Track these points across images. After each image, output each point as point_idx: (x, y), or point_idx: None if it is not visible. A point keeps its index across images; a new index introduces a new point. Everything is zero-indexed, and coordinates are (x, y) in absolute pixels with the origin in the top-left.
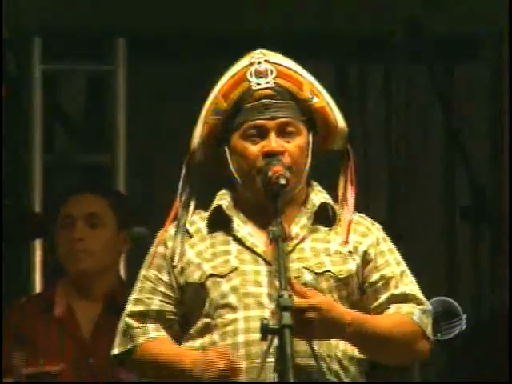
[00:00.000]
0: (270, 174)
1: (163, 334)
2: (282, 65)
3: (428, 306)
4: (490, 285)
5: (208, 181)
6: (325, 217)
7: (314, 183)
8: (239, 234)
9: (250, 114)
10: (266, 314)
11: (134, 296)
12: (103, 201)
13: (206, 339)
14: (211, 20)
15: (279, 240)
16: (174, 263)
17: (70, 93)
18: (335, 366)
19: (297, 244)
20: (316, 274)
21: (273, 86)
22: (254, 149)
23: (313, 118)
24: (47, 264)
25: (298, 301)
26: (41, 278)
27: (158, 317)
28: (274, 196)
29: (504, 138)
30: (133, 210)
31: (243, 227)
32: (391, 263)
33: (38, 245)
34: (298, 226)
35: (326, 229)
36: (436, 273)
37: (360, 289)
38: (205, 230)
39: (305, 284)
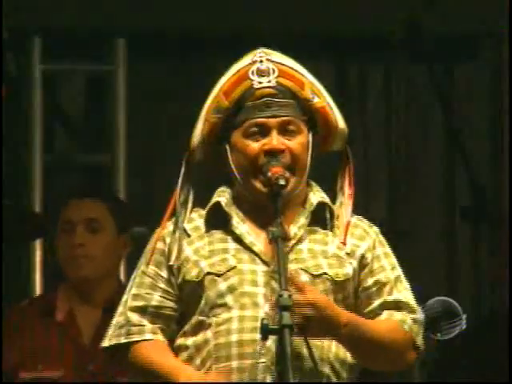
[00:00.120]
0: (269, 174)
1: (159, 337)
2: (283, 64)
3: (420, 315)
4: (489, 285)
5: (207, 179)
6: (323, 218)
7: (313, 183)
8: (238, 231)
9: (252, 112)
10: (261, 314)
11: (133, 291)
12: (103, 206)
13: (199, 337)
14: (211, 20)
15: (279, 240)
16: (170, 263)
17: (70, 93)
18: (327, 370)
19: (294, 245)
20: (313, 275)
21: (274, 84)
22: (255, 146)
23: (313, 118)
24: (47, 264)
25: (296, 296)
26: (41, 279)
27: (157, 313)
28: (274, 196)
29: (504, 138)
30: (132, 212)
31: (242, 225)
32: (386, 268)
33: (38, 245)
34: (297, 226)
35: (324, 230)
36: (436, 273)
37: (355, 293)
38: (203, 228)
39: None
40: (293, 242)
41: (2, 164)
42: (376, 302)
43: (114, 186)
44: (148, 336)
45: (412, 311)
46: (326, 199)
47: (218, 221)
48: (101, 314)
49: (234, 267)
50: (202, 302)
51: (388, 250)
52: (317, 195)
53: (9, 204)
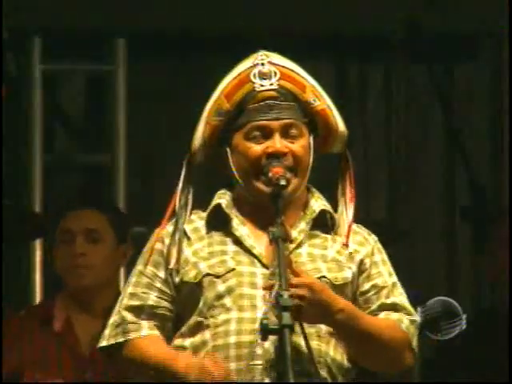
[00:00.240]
0: (270, 174)
1: (156, 332)
2: (285, 66)
3: (416, 317)
4: (489, 285)
5: (207, 181)
6: (323, 223)
7: (314, 189)
8: (238, 233)
9: (254, 115)
10: (259, 315)
11: (129, 290)
12: (102, 216)
13: (197, 338)
14: (211, 20)
15: (279, 241)
16: (170, 266)
17: (70, 93)
18: (324, 373)
19: (294, 248)
20: None
21: (276, 87)
22: (257, 149)
23: (314, 121)
24: (47, 264)
25: (292, 279)
26: (41, 279)
27: (153, 312)
28: (275, 197)
29: (504, 138)
30: (131, 222)
31: (241, 227)
32: (383, 274)
33: (38, 245)
34: (297, 230)
35: (324, 235)
36: (436, 273)
37: (353, 297)
38: (203, 229)
39: None
40: (292, 246)
41: (2, 164)
42: (374, 305)
43: (113, 186)
44: (145, 332)
45: (409, 313)
46: (328, 207)
47: (218, 223)
48: (99, 323)
49: (233, 269)
50: (201, 303)
51: (385, 257)
52: (319, 202)
53: (9, 204)
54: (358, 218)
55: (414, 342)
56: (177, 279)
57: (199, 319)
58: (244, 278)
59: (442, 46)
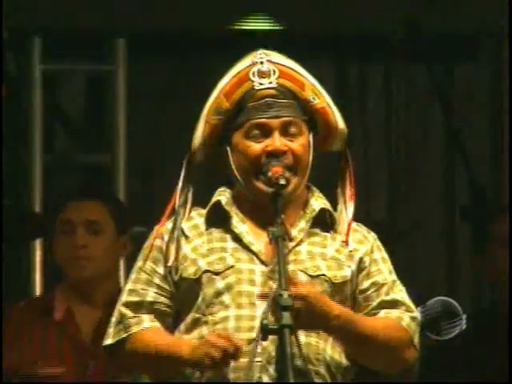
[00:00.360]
0: (269, 174)
1: (157, 324)
2: (284, 65)
3: (417, 313)
4: (489, 285)
5: (207, 179)
6: (323, 222)
7: (314, 188)
8: (237, 230)
9: (253, 113)
10: (258, 313)
11: (128, 286)
12: (102, 207)
13: (195, 335)
14: (211, 20)
15: (279, 240)
16: (169, 264)
17: (70, 93)
18: (322, 371)
19: (294, 246)
20: (311, 276)
21: (275, 85)
22: (256, 147)
23: (313, 119)
24: (47, 264)
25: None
26: (41, 279)
27: (152, 308)
28: (275, 196)
29: (504, 138)
30: (131, 214)
31: (241, 225)
32: (383, 271)
33: (38, 245)
34: (297, 229)
35: (324, 234)
36: (436, 273)
37: (353, 295)
38: (202, 226)
39: None
40: (292, 244)
41: (2, 164)
42: (374, 303)
43: (114, 186)
44: (146, 324)
45: (409, 310)
46: (328, 205)
47: (217, 220)
48: (100, 314)
49: (232, 266)
50: (199, 299)
51: (385, 255)
52: (319, 201)
53: (9, 204)
54: (358, 219)
55: (416, 339)
56: (176, 276)
57: (197, 316)
58: (243, 275)
59: (441, 46)
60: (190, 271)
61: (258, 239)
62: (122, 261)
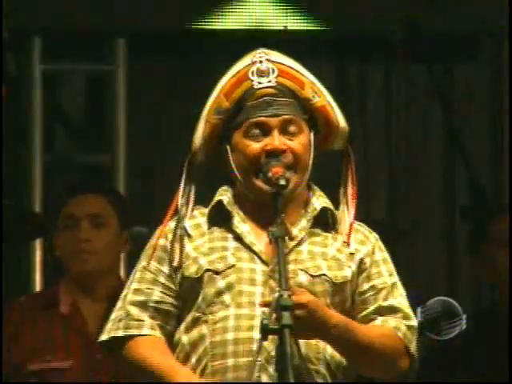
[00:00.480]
0: (269, 174)
1: (157, 333)
2: (283, 64)
3: (414, 321)
4: (489, 285)
5: (208, 179)
6: (324, 222)
7: (315, 187)
8: (238, 230)
9: (252, 112)
10: (257, 313)
11: (134, 286)
12: (105, 201)
13: (195, 334)
14: (211, 20)
15: (279, 240)
16: (174, 264)
17: (70, 93)
18: (323, 370)
19: (294, 246)
20: (312, 276)
21: (274, 84)
22: (256, 146)
23: (314, 117)
24: (47, 264)
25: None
26: (41, 278)
27: (158, 308)
28: (275, 196)
29: (504, 138)
30: (133, 209)
31: (242, 224)
32: (383, 274)
33: (38, 245)
34: (297, 228)
35: (325, 233)
36: (436, 273)
37: (352, 296)
38: (204, 225)
39: (300, 285)
40: (293, 243)
41: (2, 164)
42: (371, 307)
43: (114, 186)
44: (146, 331)
45: (406, 317)
46: (329, 205)
47: (219, 219)
48: (104, 307)
49: (233, 265)
50: (200, 298)
51: (387, 256)
52: (320, 200)
53: (9, 204)
54: (358, 218)
55: (413, 348)
56: (179, 275)
57: (197, 314)
58: (244, 275)
59: (441, 46)
60: (191, 270)
61: (259, 239)
62: (122, 256)
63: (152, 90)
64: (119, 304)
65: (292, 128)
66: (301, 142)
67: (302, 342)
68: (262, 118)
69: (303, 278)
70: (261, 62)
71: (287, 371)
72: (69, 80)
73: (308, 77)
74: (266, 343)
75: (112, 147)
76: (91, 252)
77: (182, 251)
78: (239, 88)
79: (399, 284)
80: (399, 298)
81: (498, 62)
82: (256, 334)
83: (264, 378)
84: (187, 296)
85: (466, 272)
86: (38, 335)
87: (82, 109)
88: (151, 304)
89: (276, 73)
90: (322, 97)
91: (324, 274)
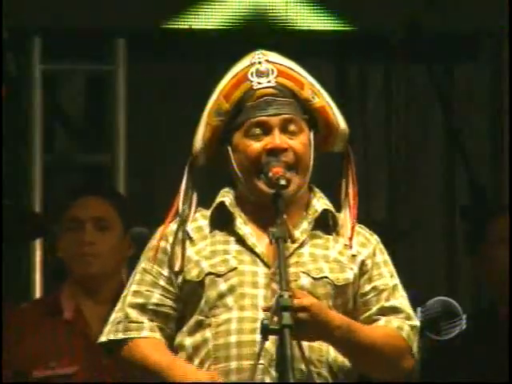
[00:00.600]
0: (270, 175)
1: (157, 335)
2: (282, 64)
3: (416, 322)
4: (489, 285)
5: (210, 180)
6: (325, 224)
7: (316, 189)
8: (241, 232)
9: (253, 112)
10: (260, 315)
11: (133, 288)
12: (109, 203)
13: (198, 337)
14: (211, 20)
15: (280, 241)
16: (175, 269)
17: (70, 93)
18: (325, 372)
19: (296, 248)
20: (314, 279)
21: (274, 84)
22: (257, 146)
23: (313, 118)
24: (47, 264)
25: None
26: (41, 278)
27: (157, 311)
28: (276, 197)
29: (504, 138)
30: (133, 210)
31: (244, 226)
32: (385, 276)
33: (38, 245)
34: (299, 230)
35: (326, 236)
36: (436, 273)
37: (354, 298)
38: (206, 228)
39: (302, 288)
40: (295, 245)
41: (2, 164)
42: (373, 308)
43: (113, 186)
44: (146, 333)
45: (409, 318)
46: (330, 206)
47: (221, 221)
48: (108, 309)
49: (235, 268)
50: (202, 301)
51: (387, 258)
52: (321, 202)
53: (9, 204)
54: (358, 218)
55: (414, 348)
56: (179, 278)
57: (200, 318)
58: (246, 277)
59: (441, 46)
60: (193, 273)
61: (260, 241)
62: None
63: (152, 90)
64: (119, 305)
65: (292, 127)
66: (301, 141)
67: (305, 344)
68: (263, 118)
69: (305, 281)
70: (260, 62)
71: (288, 372)
72: (69, 80)
73: (307, 78)
74: (268, 346)
75: (112, 147)
76: (95, 255)
77: (183, 255)
78: (239, 89)
79: (400, 286)
80: (401, 299)
81: (498, 62)
82: (259, 337)
83: (267, 381)
84: (189, 299)
85: (466, 272)
86: (41, 342)
87: (82, 109)
88: (150, 307)
89: (275, 73)
90: (321, 98)
91: (326, 277)
